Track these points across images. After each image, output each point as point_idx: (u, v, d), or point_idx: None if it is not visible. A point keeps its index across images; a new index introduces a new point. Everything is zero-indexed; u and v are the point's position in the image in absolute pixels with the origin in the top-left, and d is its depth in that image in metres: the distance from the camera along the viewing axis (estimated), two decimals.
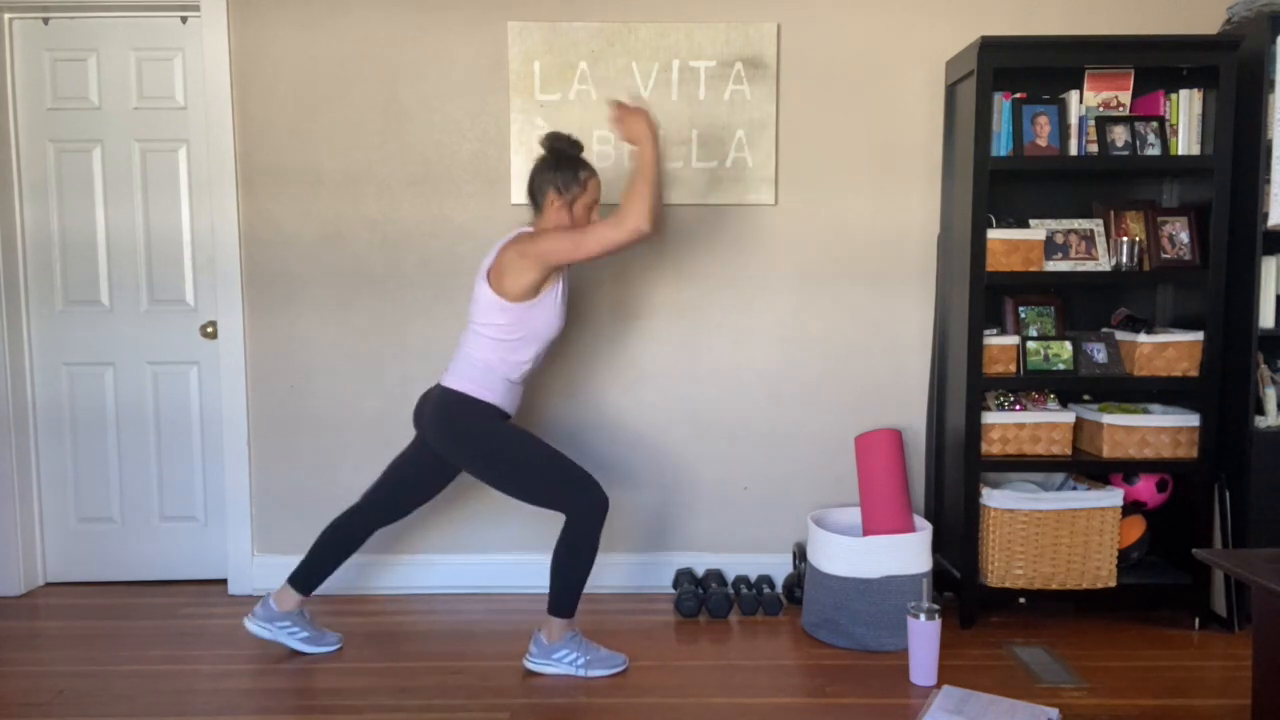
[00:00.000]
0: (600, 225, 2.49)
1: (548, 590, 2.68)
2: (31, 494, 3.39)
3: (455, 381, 2.61)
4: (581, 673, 2.65)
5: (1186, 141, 2.91)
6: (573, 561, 2.61)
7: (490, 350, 2.59)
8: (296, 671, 2.69)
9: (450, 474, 2.78)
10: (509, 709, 2.46)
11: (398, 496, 2.77)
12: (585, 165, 2.64)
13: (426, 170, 3.21)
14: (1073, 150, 2.93)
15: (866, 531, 2.90)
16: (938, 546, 3.21)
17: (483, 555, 3.33)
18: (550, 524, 3.28)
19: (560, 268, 2.57)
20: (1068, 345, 2.95)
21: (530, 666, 2.68)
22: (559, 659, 2.65)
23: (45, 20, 3.25)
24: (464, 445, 2.59)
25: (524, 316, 2.56)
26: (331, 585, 3.30)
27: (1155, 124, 2.91)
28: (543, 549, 3.28)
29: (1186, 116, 2.91)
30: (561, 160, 2.62)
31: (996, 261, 2.90)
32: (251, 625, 2.78)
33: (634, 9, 3.15)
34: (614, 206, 3.21)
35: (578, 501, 2.59)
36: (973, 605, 2.98)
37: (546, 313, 2.59)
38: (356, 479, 3.30)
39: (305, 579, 2.78)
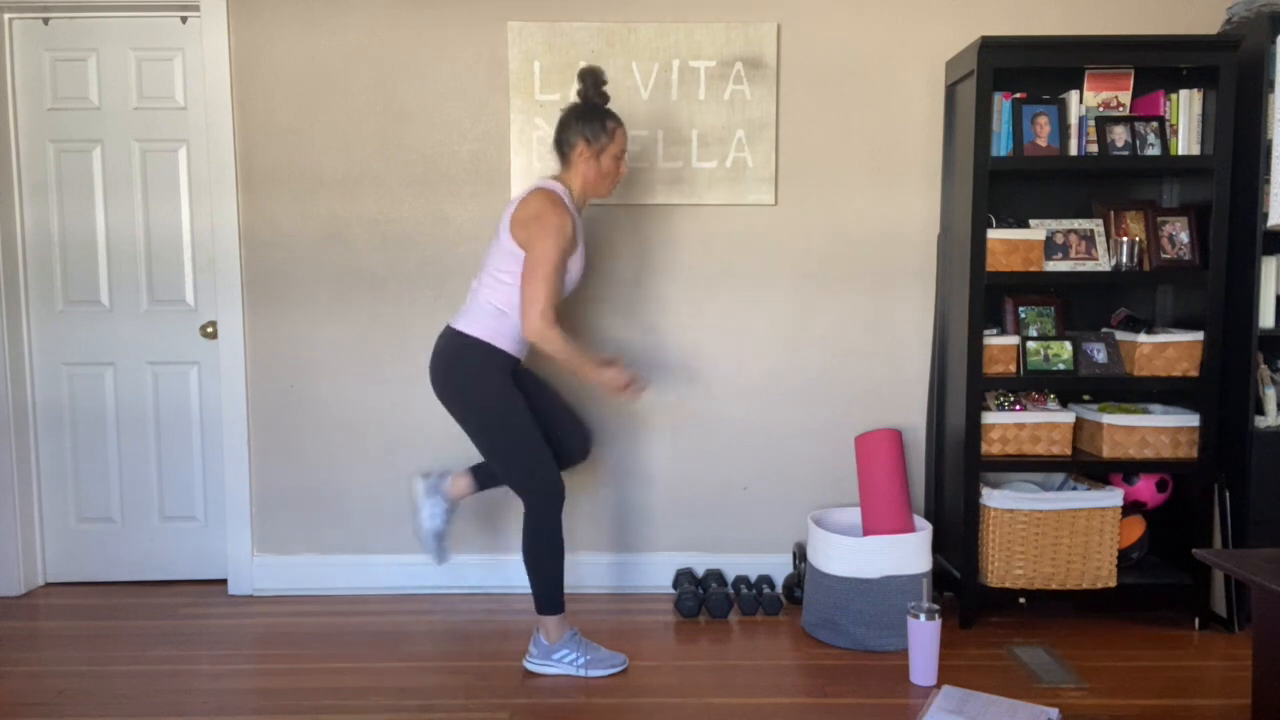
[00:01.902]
0: (546, 299, 2.47)
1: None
2: (31, 494, 3.39)
3: (467, 325, 2.60)
4: (581, 673, 2.65)
5: (1186, 141, 2.91)
6: (538, 554, 2.61)
7: (510, 295, 2.58)
8: (296, 671, 2.69)
9: (546, 394, 2.79)
10: (509, 709, 2.46)
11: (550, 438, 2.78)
12: (613, 115, 2.63)
13: (426, 170, 3.21)
14: (1073, 150, 2.93)
15: (866, 531, 2.90)
16: (938, 546, 3.21)
17: (482, 555, 3.33)
18: None
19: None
20: (1068, 345, 2.95)
21: (530, 667, 2.68)
22: (559, 659, 2.65)
23: (45, 20, 3.25)
24: (455, 388, 2.59)
25: None
26: (331, 584, 3.31)
27: (1155, 124, 2.91)
28: None
29: (1186, 116, 2.91)
30: (591, 110, 2.61)
31: (996, 261, 2.90)
32: (416, 482, 2.83)
33: (634, 9, 3.15)
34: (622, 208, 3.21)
35: (534, 488, 2.58)
36: (973, 605, 2.98)
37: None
38: (356, 479, 3.30)
39: (486, 476, 2.82)
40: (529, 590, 3.29)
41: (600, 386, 2.65)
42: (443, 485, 2.81)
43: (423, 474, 2.84)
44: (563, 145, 2.63)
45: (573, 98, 3.12)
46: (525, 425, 2.58)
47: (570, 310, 3.23)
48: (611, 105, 3.13)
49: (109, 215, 3.32)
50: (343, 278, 3.24)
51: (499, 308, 2.59)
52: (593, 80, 2.63)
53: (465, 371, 2.58)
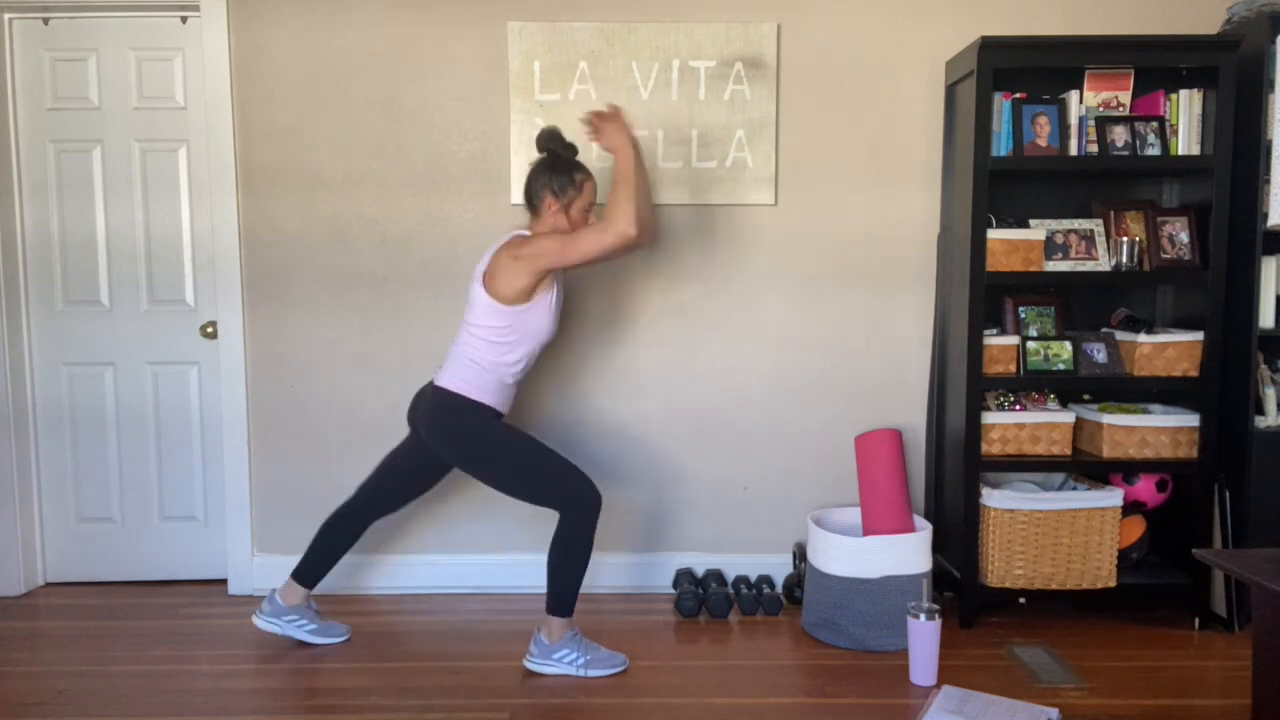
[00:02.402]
0: (587, 230, 2.51)
1: (545, 590, 2.68)
2: (31, 494, 3.39)
3: (449, 381, 2.62)
4: (581, 673, 2.65)
5: (1186, 141, 2.91)
6: (568, 559, 2.62)
7: (485, 351, 2.61)
8: (296, 672, 2.69)
9: (444, 469, 2.81)
10: (509, 709, 2.46)
11: (392, 489, 2.82)
12: (580, 168, 2.65)
13: (426, 170, 3.21)
14: (1073, 150, 2.93)
15: (866, 531, 2.90)
16: (938, 546, 3.21)
17: (483, 555, 3.33)
18: (549, 522, 3.27)
19: (552, 271, 2.57)
20: (1068, 345, 2.95)
21: (530, 666, 2.68)
22: (559, 659, 2.65)
23: (45, 20, 3.25)
24: (457, 445, 2.62)
25: (518, 320, 2.58)
26: (331, 585, 3.30)
27: (1155, 124, 2.91)
28: (541, 549, 3.26)
29: (1186, 116, 2.91)
30: (557, 163, 2.63)
31: (996, 261, 2.90)
32: (260, 621, 2.83)
33: (634, 9, 3.15)
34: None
35: (570, 499, 2.60)
36: (973, 605, 2.98)
37: (540, 316, 2.60)
38: (356, 479, 3.30)
39: (307, 573, 2.83)
40: (529, 590, 3.30)
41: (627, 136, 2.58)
42: (277, 603, 2.83)
43: (256, 614, 2.84)
44: (532, 198, 2.66)
45: (571, 97, 3.13)
46: (532, 448, 2.61)
47: (568, 311, 3.23)
48: (610, 105, 3.13)
49: (109, 215, 3.32)
50: (343, 278, 3.24)
51: (478, 364, 2.61)
52: (554, 141, 2.65)
53: (453, 427, 2.61)
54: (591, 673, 2.65)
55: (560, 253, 2.50)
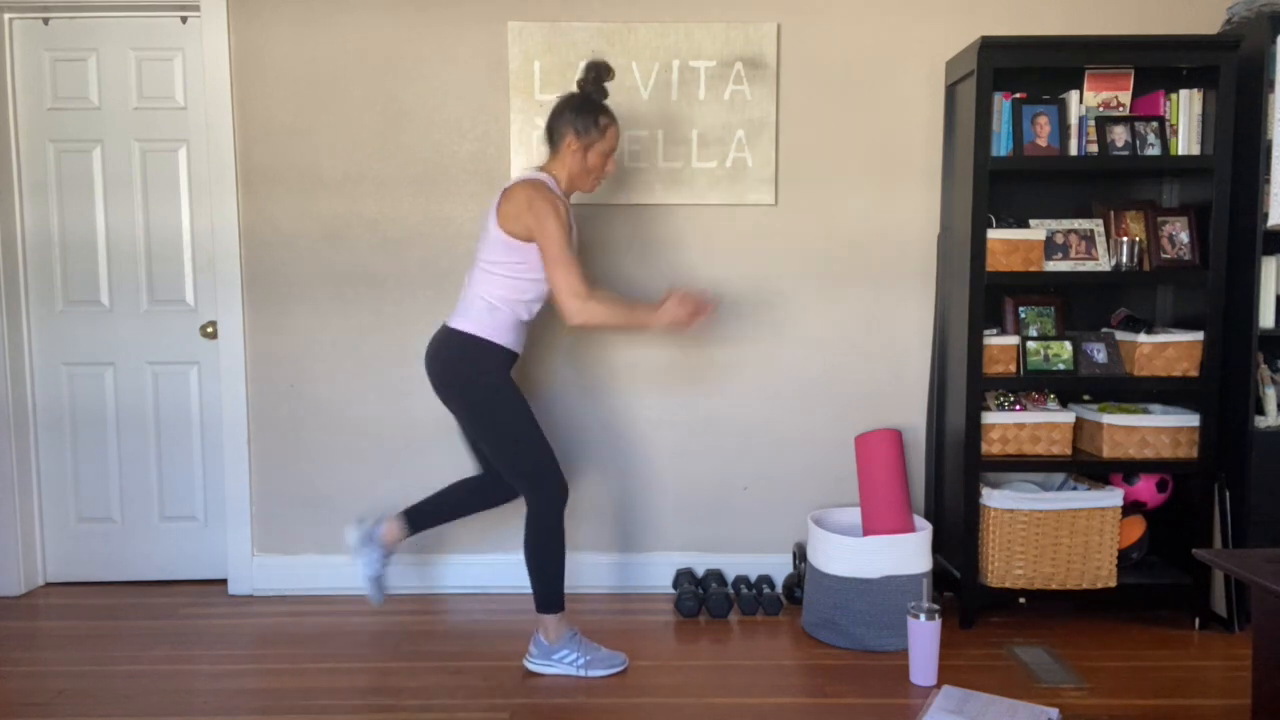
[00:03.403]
0: (572, 279, 2.46)
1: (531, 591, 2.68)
2: (31, 494, 3.39)
3: (462, 323, 2.60)
4: (581, 673, 2.65)
5: (1186, 141, 2.91)
6: (540, 551, 2.61)
7: (500, 287, 2.57)
8: (296, 671, 2.69)
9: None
10: (509, 709, 2.46)
11: (483, 463, 2.81)
12: (607, 112, 2.62)
13: (426, 170, 3.21)
14: (1073, 150, 2.93)
15: (866, 531, 2.90)
16: (938, 546, 3.21)
17: (483, 555, 3.33)
18: None
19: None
20: (1068, 345, 2.95)
21: (530, 667, 2.68)
22: (559, 659, 2.65)
23: (45, 20, 3.25)
24: (457, 388, 2.59)
25: (535, 254, 2.55)
26: (331, 584, 3.31)
27: (1155, 124, 2.91)
28: None
29: (1186, 116, 2.91)
30: (586, 103, 2.61)
31: (996, 261, 2.90)
32: (351, 533, 2.81)
33: (634, 9, 3.15)
34: (607, 207, 3.21)
35: (538, 489, 2.59)
36: (973, 605, 2.98)
37: None
38: (356, 479, 3.30)
39: (417, 519, 2.81)
40: (529, 590, 3.30)
41: (670, 328, 2.52)
42: (376, 534, 2.81)
43: (357, 521, 2.83)
44: (553, 134, 2.64)
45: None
46: (526, 422, 2.58)
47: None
48: (612, 105, 3.13)
49: (109, 215, 3.32)
50: (343, 277, 3.24)
51: (490, 302, 2.58)
52: (595, 74, 2.63)
53: (462, 370, 2.58)
54: (591, 673, 2.65)
55: (547, 248, 2.48)
